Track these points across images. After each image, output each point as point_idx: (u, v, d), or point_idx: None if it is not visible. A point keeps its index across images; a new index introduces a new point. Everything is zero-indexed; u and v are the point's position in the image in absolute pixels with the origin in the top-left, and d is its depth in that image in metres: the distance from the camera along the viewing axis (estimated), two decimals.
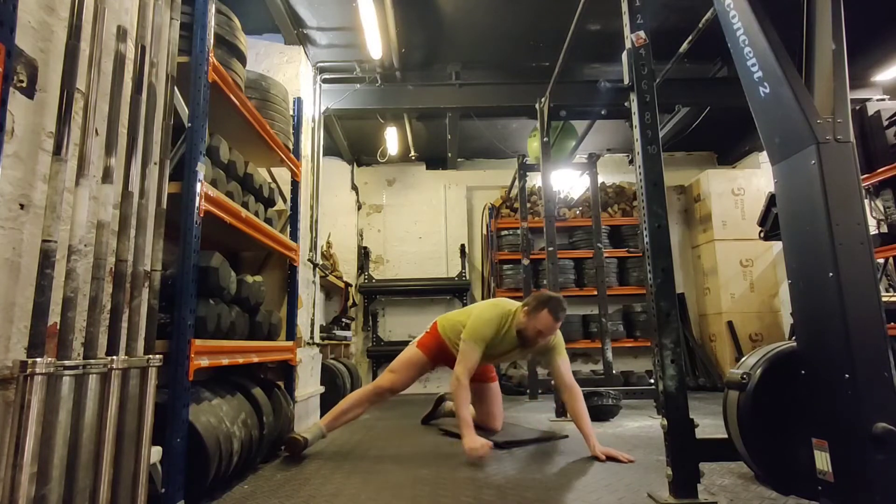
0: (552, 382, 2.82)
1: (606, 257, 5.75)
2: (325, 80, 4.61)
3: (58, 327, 1.29)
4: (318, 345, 4.24)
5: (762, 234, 3.17)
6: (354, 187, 6.66)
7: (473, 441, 2.33)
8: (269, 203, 2.85)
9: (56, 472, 1.19)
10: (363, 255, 6.52)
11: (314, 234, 4.22)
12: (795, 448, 1.44)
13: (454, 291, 6.47)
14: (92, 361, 1.33)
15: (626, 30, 2.08)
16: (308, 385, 3.49)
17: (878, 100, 4.58)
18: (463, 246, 6.59)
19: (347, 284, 6.05)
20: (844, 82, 1.45)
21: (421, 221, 6.70)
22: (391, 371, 2.85)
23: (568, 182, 5.99)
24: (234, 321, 2.24)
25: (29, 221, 1.32)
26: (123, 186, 1.53)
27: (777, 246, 5.65)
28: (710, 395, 5.13)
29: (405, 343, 6.65)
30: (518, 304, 2.73)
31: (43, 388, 1.17)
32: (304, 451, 2.61)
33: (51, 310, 1.25)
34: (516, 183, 5.23)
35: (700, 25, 2.93)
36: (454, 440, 2.98)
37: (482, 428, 3.08)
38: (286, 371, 3.02)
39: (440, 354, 2.88)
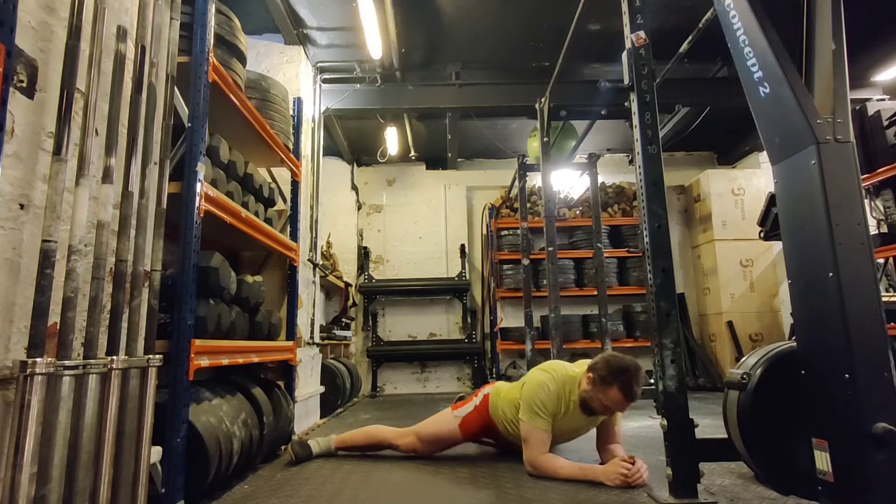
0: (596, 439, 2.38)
1: (606, 257, 5.75)
2: (325, 80, 4.61)
3: (58, 327, 1.29)
4: (317, 345, 4.24)
5: (762, 234, 3.17)
6: (354, 187, 6.66)
7: (606, 472, 2.01)
8: (269, 203, 2.85)
9: (56, 472, 1.19)
10: (363, 255, 6.52)
11: (314, 234, 4.22)
12: (795, 448, 1.44)
13: (454, 291, 6.47)
14: (92, 361, 1.33)
15: (626, 30, 2.08)
16: (308, 385, 3.49)
17: (878, 100, 4.57)
18: (463, 246, 6.59)
19: (347, 284, 6.05)
20: (844, 82, 1.44)
21: (421, 221, 6.70)
22: (419, 438, 2.48)
23: (568, 182, 5.99)
24: (234, 321, 2.24)
25: (29, 221, 1.32)
26: (123, 186, 1.53)
27: (777, 246, 5.65)
28: (710, 395, 5.13)
29: (405, 343, 6.65)
30: (576, 368, 2.30)
31: (43, 388, 1.17)
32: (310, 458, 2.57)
33: (51, 310, 1.25)
34: (516, 183, 5.23)
35: (700, 25, 2.93)
36: None
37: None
38: (286, 371, 3.02)
39: (482, 434, 2.54)
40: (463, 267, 6.52)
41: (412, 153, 6.37)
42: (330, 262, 5.80)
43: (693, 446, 1.73)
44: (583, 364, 2.27)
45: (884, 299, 2.98)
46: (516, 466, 2.32)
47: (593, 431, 2.36)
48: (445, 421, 2.51)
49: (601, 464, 2.21)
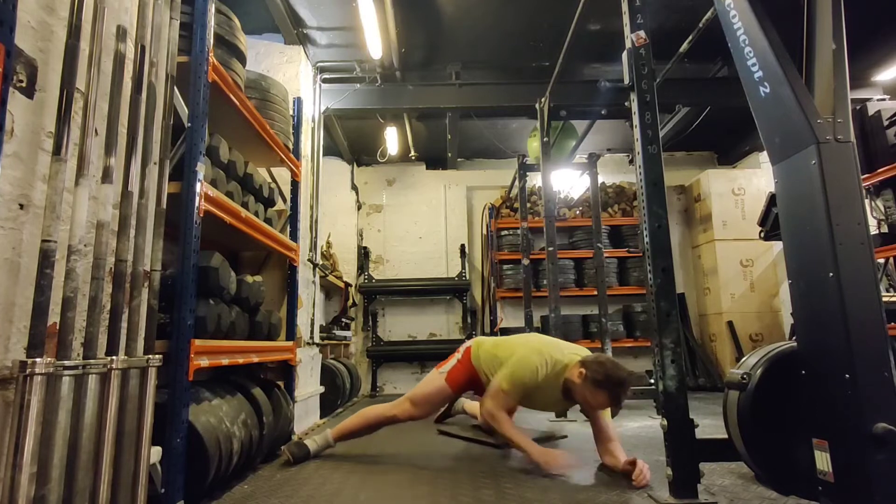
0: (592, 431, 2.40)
1: (606, 257, 5.74)
2: (324, 80, 4.61)
3: (57, 327, 1.29)
4: (317, 345, 4.24)
5: (762, 234, 3.17)
6: (354, 187, 6.66)
7: (548, 454, 2.17)
8: (268, 203, 2.85)
9: (56, 473, 1.19)
10: (363, 255, 6.52)
11: (314, 234, 4.22)
12: (795, 448, 1.44)
13: (454, 291, 6.47)
14: (91, 361, 1.32)
15: (626, 30, 2.08)
16: (308, 385, 3.49)
17: (878, 100, 4.57)
18: (463, 246, 6.58)
19: (347, 284, 6.05)
20: (845, 82, 1.44)
21: (421, 221, 6.70)
22: (412, 403, 2.52)
23: (568, 182, 5.99)
24: (233, 321, 2.24)
25: (29, 221, 1.32)
26: (123, 186, 1.53)
27: (777, 246, 5.65)
28: (710, 395, 5.13)
29: (405, 343, 6.65)
30: (565, 354, 2.36)
31: (42, 388, 1.17)
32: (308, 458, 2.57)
33: (50, 310, 1.25)
34: (516, 183, 5.23)
35: (700, 25, 2.93)
36: (453, 440, 2.98)
37: (483, 428, 3.09)
38: (286, 371, 3.02)
39: (468, 385, 2.60)
40: (463, 267, 6.52)
41: (412, 153, 6.36)
42: (330, 262, 5.80)
43: (693, 446, 1.73)
44: (575, 351, 2.38)
45: (884, 299, 2.98)
46: (516, 467, 2.32)
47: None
48: (433, 380, 2.58)
49: (603, 464, 2.28)
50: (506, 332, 6.07)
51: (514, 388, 2.30)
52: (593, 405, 2.22)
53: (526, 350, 2.38)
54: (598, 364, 2.19)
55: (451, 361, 2.62)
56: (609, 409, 2.34)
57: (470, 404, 3.48)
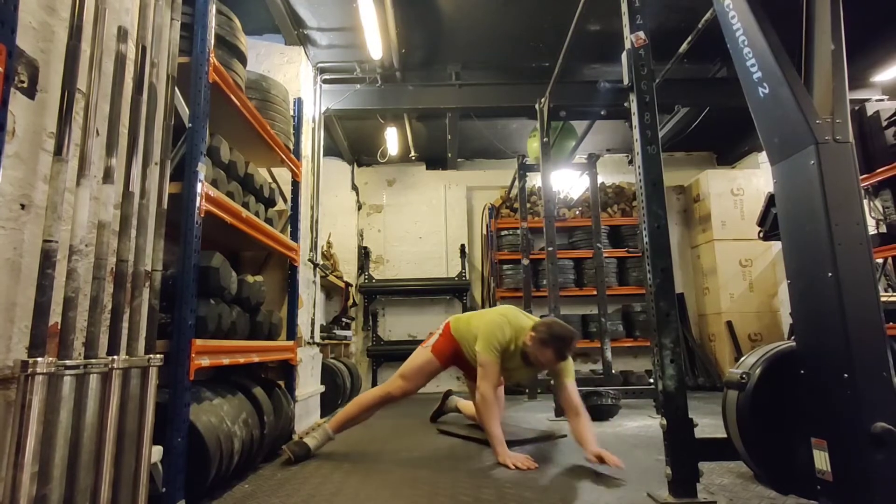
0: (554, 396, 2.69)
1: (606, 257, 5.75)
2: (325, 81, 4.61)
3: (59, 327, 1.29)
4: (318, 344, 4.24)
5: (761, 234, 3.17)
6: (354, 187, 6.66)
7: (514, 457, 2.32)
8: (269, 203, 2.86)
9: (57, 472, 1.19)
10: (363, 255, 6.52)
11: (314, 234, 4.23)
12: (794, 447, 1.44)
13: (454, 291, 6.47)
14: (93, 361, 1.33)
15: (626, 30, 2.08)
16: (308, 384, 3.49)
17: (877, 100, 4.58)
18: (463, 246, 6.59)
19: (347, 284, 6.05)
20: (844, 82, 1.45)
21: (421, 221, 6.71)
22: (402, 378, 2.70)
23: (568, 182, 5.99)
24: (234, 321, 2.24)
25: (30, 221, 1.32)
26: (124, 186, 1.53)
27: (776, 246, 5.65)
28: (710, 394, 5.14)
29: (405, 342, 6.69)
30: (528, 320, 2.64)
31: (44, 388, 1.17)
32: (308, 458, 2.59)
33: (52, 310, 1.25)
34: (516, 183, 5.24)
35: (700, 26, 2.93)
36: (453, 440, 2.99)
37: (482, 427, 3.09)
38: (287, 370, 3.02)
39: (453, 358, 2.79)
40: (463, 267, 6.52)
41: (412, 153, 6.37)
42: (330, 262, 5.80)
43: (692, 446, 1.73)
44: (532, 319, 2.65)
45: (883, 299, 2.98)
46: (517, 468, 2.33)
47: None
48: (420, 355, 2.78)
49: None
50: None
51: (493, 353, 2.52)
52: (543, 362, 2.48)
53: (492, 316, 2.67)
54: (545, 325, 2.50)
55: (434, 337, 2.84)
56: (572, 376, 2.58)
57: (463, 403, 3.50)
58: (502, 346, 2.53)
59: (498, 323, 2.58)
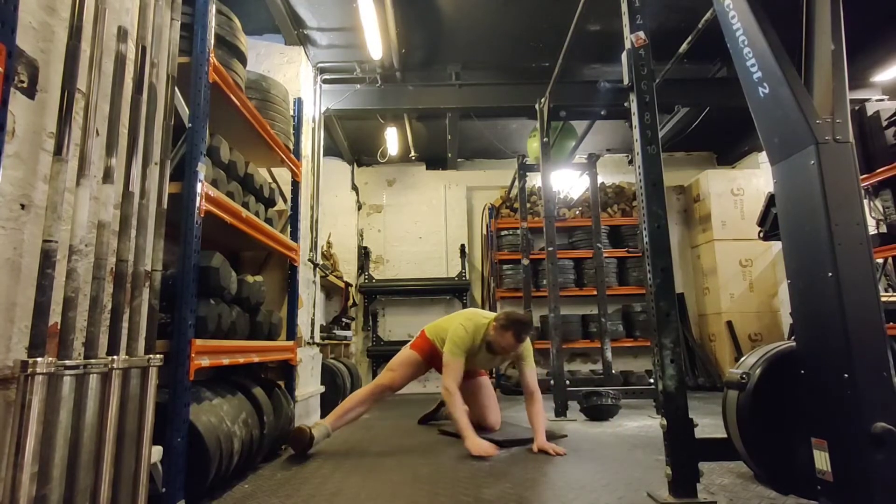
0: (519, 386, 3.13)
1: (606, 257, 5.75)
2: (325, 81, 4.61)
3: (58, 327, 1.29)
4: (318, 344, 4.24)
5: (761, 234, 3.17)
6: (354, 187, 6.66)
7: (479, 444, 2.51)
8: (269, 203, 2.85)
9: (57, 472, 1.19)
10: (363, 255, 6.52)
11: (314, 234, 4.23)
12: (795, 448, 1.44)
13: (454, 291, 6.47)
14: (93, 361, 1.33)
15: (626, 30, 2.08)
16: (308, 385, 3.49)
17: (877, 100, 4.58)
18: (463, 246, 6.59)
19: (347, 284, 6.05)
20: (844, 82, 1.45)
21: (421, 221, 6.71)
22: (390, 370, 3.02)
23: (568, 182, 5.99)
24: (234, 321, 2.24)
25: (30, 221, 1.32)
26: (124, 186, 1.53)
27: (776, 246, 5.65)
28: (710, 394, 5.14)
29: (405, 342, 6.71)
30: (485, 318, 2.95)
31: (44, 388, 1.17)
32: (310, 449, 2.63)
33: (52, 310, 1.25)
34: (516, 183, 5.24)
35: (700, 26, 2.93)
36: (453, 439, 2.98)
37: (480, 427, 3.10)
38: (286, 371, 3.02)
39: (432, 355, 3.06)
40: (463, 267, 6.52)
41: (412, 153, 6.37)
42: (330, 262, 5.80)
43: (692, 446, 1.73)
44: (489, 316, 2.97)
45: (883, 299, 2.98)
46: (515, 467, 2.32)
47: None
48: (403, 351, 3.14)
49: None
50: None
51: (457, 352, 2.82)
52: (505, 346, 2.76)
53: (459, 319, 2.98)
54: (504, 314, 2.83)
55: (415, 338, 3.21)
56: (532, 363, 2.91)
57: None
58: (465, 346, 2.85)
59: (462, 327, 2.90)
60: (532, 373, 2.89)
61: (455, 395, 2.72)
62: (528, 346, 2.91)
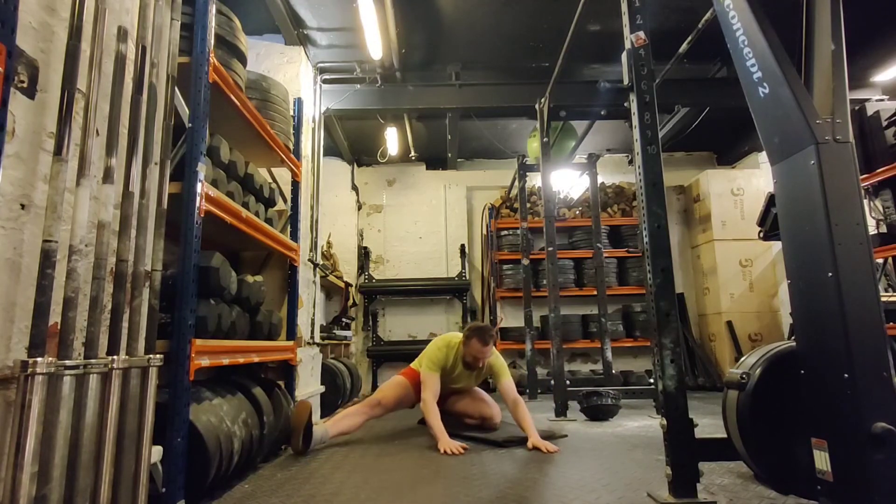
0: (493, 390, 3.27)
1: (606, 257, 5.75)
2: (325, 81, 4.61)
3: (58, 327, 1.29)
4: (318, 344, 4.24)
5: (761, 234, 3.17)
6: (354, 187, 6.66)
7: (449, 443, 2.68)
8: (269, 203, 2.86)
9: (57, 472, 1.19)
10: (363, 255, 6.52)
11: (314, 234, 4.23)
12: (795, 447, 1.44)
13: (454, 291, 6.47)
14: (93, 361, 1.33)
15: (626, 30, 2.08)
16: (308, 384, 3.49)
17: (877, 100, 4.58)
18: (463, 246, 6.59)
19: (347, 284, 6.05)
20: (844, 82, 1.45)
21: (421, 221, 6.71)
22: (381, 390, 3.21)
23: (568, 182, 5.99)
24: (234, 321, 2.24)
25: (30, 221, 1.32)
26: (124, 186, 1.53)
27: (776, 246, 5.65)
28: (710, 394, 5.14)
29: (405, 343, 6.72)
30: (457, 338, 3.14)
31: (44, 388, 1.17)
32: (309, 448, 2.65)
33: (52, 310, 1.25)
34: (516, 183, 5.24)
35: (700, 26, 2.93)
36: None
37: (482, 426, 3.11)
38: (286, 371, 3.03)
39: (417, 382, 3.21)
40: (463, 267, 6.52)
41: (412, 153, 6.37)
42: (330, 262, 5.80)
43: (692, 446, 1.73)
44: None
45: (883, 299, 2.98)
46: (515, 467, 2.32)
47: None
48: (393, 378, 3.28)
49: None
50: (506, 331, 6.11)
51: (432, 367, 3.02)
52: (475, 354, 2.96)
53: (436, 343, 3.17)
54: (467, 328, 3.06)
55: (404, 370, 3.36)
56: (507, 375, 3.02)
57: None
58: (440, 364, 3.05)
59: (436, 347, 3.13)
60: (509, 383, 2.99)
61: (430, 404, 2.88)
62: (499, 362, 3.08)
